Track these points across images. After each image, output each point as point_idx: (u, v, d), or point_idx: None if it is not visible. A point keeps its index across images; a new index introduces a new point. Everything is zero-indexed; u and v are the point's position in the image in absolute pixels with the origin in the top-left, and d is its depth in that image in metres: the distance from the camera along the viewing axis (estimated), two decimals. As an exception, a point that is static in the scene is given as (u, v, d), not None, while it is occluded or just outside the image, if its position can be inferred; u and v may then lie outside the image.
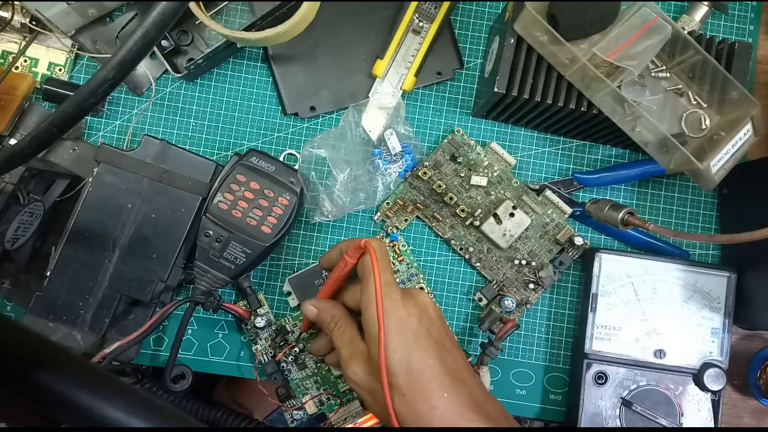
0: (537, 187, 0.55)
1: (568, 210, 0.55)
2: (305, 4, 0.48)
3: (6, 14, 0.51)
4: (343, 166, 0.53)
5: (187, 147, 0.53)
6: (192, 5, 0.49)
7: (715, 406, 0.52)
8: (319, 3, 0.50)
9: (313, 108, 0.55)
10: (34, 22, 0.52)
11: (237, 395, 0.71)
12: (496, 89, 0.47)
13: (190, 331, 0.54)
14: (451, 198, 0.54)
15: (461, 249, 0.55)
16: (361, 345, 0.43)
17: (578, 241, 0.53)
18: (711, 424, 0.52)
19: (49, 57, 0.54)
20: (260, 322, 0.52)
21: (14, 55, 0.53)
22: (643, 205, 0.57)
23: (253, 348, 0.53)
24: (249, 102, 0.56)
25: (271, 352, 0.52)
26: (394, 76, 0.54)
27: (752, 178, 0.54)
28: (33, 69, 0.54)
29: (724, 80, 0.48)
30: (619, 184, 0.56)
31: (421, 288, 0.54)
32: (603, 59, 0.46)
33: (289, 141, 0.56)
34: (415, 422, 0.39)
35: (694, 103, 0.50)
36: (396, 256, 0.54)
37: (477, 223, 0.54)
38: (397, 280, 0.54)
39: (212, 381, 0.72)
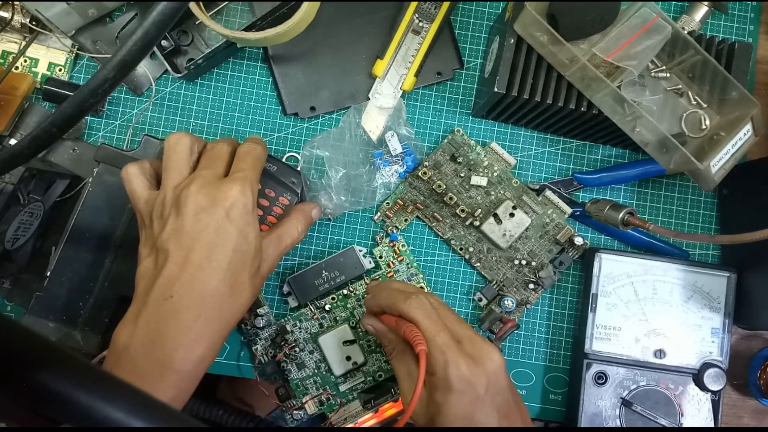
0: (537, 187, 0.55)
1: (568, 210, 0.55)
2: (305, 4, 0.48)
3: (6, 14, 0.51)
4: (339, 168, 0.53)
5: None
6: (192, 5, 0.49)
7: (715, 406, 0.52)
8: (319, 3, 0.50)
9: (313, 108, 0.55)
10: (34, 22, 0.52)
11: (241, 393, 0.71)
12: (496, 89, 0.47)
13: (190, 331, 0.54)
14: (451, 198, 0.54)
15: (461, 249, 0.55)
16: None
17: (578, 241, 0.54)
18: (711, 424, 0.52)
19: (49, 57, 0.54)
20: (260, 322, 0.52)
21: (14, 55, 0.53)
22: (643, 205, 0.57)
23: (252, 348, 0.53)
24: (249, 102, 0.56)
25: (271, 352, 0.52)
26: (394, 76, 0.54)
27: (752, 178, 0.54)
28: (33, 69, 0.54)
29: (724, 80, 0.48)
30: (619, 184, 0.56)
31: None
32: (603, 59, 0.46)
33: (289, 141, 0.56)
34: None
35: (694, 103, 0.50)
36: (396, 256, 0.54)
37: (477, 223, 0.54)
38: (397, 280, 0.54)
39: (216, 378, 0.72)
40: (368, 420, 0.51)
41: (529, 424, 0.42)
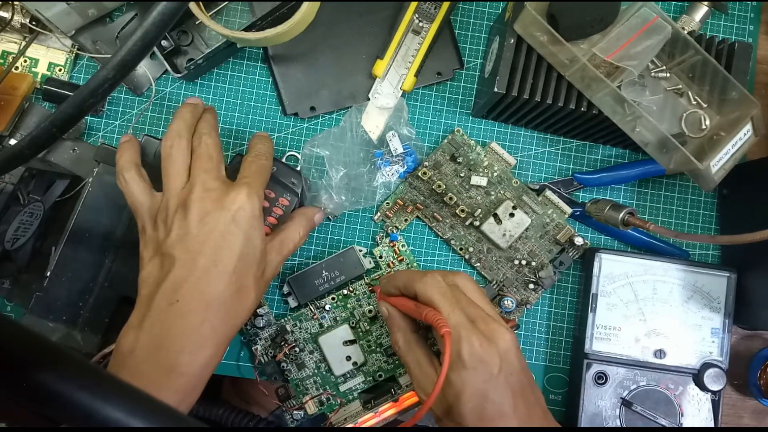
0: (537, 187, 0.55)
1: (568, 210, 0.55)
2: (305, 4, 0.48)
3: (6, 14, 0.51)
4: (339, 167, 0.53)
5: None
6: (192, 5, 0.49)
7: (715, 406, 0.52)
8: (319, 3, 0.50)
9: (313, 108, 0.55)
10: (34, 22, 0.52)
11: (244, 392, 0.71)
12: (496, 89, 0.47)
13: (190, 331, 0.54)
14: (451, 198, 0.54)
15: (461, 249, 0.55)
16: (430, 370, 0.42)
17: (578, 241, 0.54)
18: (711, 424, 0.52)
19: (49, 57, 0.54)
20: (260, 322, 0.52)
21: (14, 55, 0.53)
22: (643, 205, 0.57)
23: (252, 348, 0.53)
24: (249, 102, 0.56)
25: (271, 352, 0.52)
26: (394, 76, 0.54)
27: (752, 178, 0.54)
28: (33, 69, 0.54)
29: (724, 80, 0.48)
30: (619, 184, 0.56)
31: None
32: (603, 59, 0.46)
33: (290, 141, 0.56)
34: None
35: (694, 103, 0.50)
36: (396, 257, 0.54)
37: (477, 223, 0.54)
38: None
39: (218, 378, 0.72)
40: (368, 420, 0.51)
41: (542, 407, 0.42)
